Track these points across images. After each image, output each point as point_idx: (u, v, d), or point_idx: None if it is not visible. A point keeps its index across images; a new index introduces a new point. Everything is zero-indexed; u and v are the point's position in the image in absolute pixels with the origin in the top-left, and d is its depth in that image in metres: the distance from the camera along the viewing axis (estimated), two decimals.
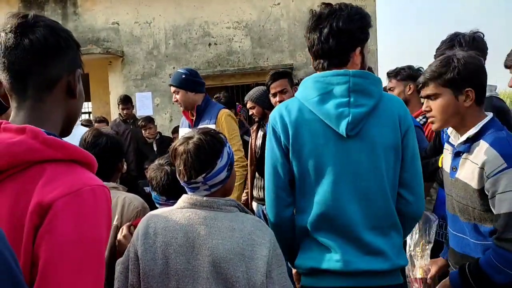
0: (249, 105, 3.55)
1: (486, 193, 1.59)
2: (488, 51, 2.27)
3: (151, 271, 1.37)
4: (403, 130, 1.53)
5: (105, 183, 1.76)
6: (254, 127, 3.74)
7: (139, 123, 5.67)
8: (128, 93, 6.76)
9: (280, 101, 2.97)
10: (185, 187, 1.45)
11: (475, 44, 2.11)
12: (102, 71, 8.09)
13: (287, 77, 3.00)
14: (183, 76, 3.14)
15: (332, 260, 1.49)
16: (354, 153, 1.49)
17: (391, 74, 3.04)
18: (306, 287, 1.59)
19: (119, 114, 5.99)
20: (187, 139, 1.43)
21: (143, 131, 5.60)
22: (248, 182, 3.62)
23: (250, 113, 3.62)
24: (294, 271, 1.70)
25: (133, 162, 5.54)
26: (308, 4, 7.46)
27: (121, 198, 1.77)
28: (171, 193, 1.70)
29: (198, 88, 3.18)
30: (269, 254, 1.34)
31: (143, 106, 7.59)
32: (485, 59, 2.16)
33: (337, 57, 1.52)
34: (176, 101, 3.20)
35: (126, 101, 5.90)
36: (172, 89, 3.20)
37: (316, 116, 1.49)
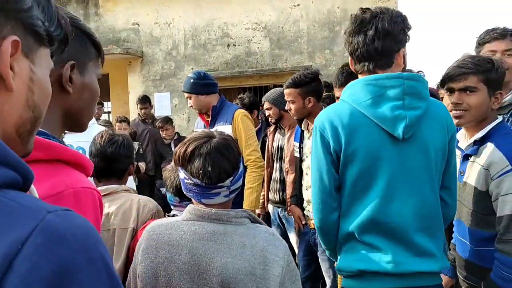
0: (266, 106, 3.50)
1: (490, 195, 1.61)
2: None
3: None
4: (449, 134, 1.57)
5: (117, 186, 1.78)
6: (271, 129, 3.71)
7: (156, 124, 5.69)
8: (147, 93, 6.80)
9: (288, 109, 2.89)
10: (201, 194, 1.30)
11: None
12: (122, 71, 8.17)
13: (299, 87, 2.77)
14: (191, 80, 3.13)
15: (383, 261, 1.49)
16: (409, 155, 1.50)
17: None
18: None
19: (138, 114, 6.03)
20: (208, 138, 1.30)
21: (161, 132, 5.61)
22: (265, 184, 3.60)
23: (267, 114, 3.57)
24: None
25: (150, 162, 5.57)
26: (328, 5, 7.40)
27: (136, 201, 1.76)
28: (185, 194, 1.67)
29: (209, 90, 3.16)
30: (282, 272, 1.25)
31: (162, 106, 7.64)
32: None
33: (383, 58, 1.53)
34: (191, 106, 3.21)
35: (145, 101, 5.94)
36: (185, 95, 3.21)
37: (369, 119, 1.48)
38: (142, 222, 1.71)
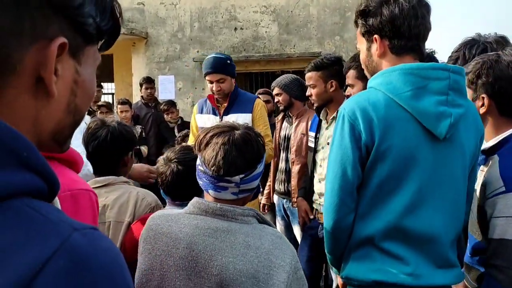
0: (275, 91, 3.39)
1: (485, 211, 1.51)
2: None
3: (148, 282, 1.18)
4: (479, 136, 1.44)
5: (114, 177, 1.64)
6: (279, 117, 3.58)
7: (161, 107, 5.56)
8: (151, 76, 6.64)
9: (309, 96, 2.74)
10: (209, 184, 1.23)
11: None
12: (126, 52, 8.01)
13: (320, 70, 2.66)
14: (228, 61, 2.89)
15: (402, 273, 1.33)
16: (446, 158, 1.34)
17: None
18: None
19: (141, 97, 5.89)
20: (230, 129, 1.23)
21: (165, 115, 5.49)
22: (271, 174, 3.49)
23: (275, 100, 3.47)
24: (339, 281, 1.56)
25: (153, 146, 5.44)
26: None
27: (134, 194, 1.62)
28: (176, 194, 1.53)
29: (235, 73, 2.98)
30: (288, 280, 1.14)
31: (165, 89, 7.48)
32: None
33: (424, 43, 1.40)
34: (220, 90, 2.88)
35: (150, 81, 5.82)
36: (215, 77, 2.87)
37: (407, 113, 1.31)
38: (138, 216, 1.59)
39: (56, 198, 0.51)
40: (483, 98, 1.53)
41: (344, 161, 1.35)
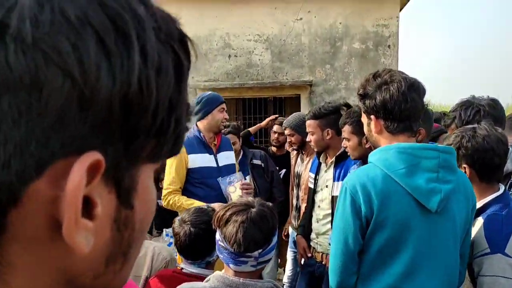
0: (287, 132, 3.47)
1: (473, 269, 1.70)
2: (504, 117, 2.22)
3: None
4: (471, 205, 1.59)
5: None
6: (294, 154, 3.72)
7: None
8: None
9: (308, 141, 2.89)
10: (229, 258, 1.33)
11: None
12: None
13: (318, 118, 2.81)
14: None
15: None
16: (438, 228, 1.49)
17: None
18: None
19: None
20: (247, 206, 1.34)
21: None
22: (290, 206, 3.61)
23: (288, 140, 3.53)
24: None
25: None
26: (330, 20, 7.43)
27: (150, 249, 1.74)
28: (189, 254, 1.65)
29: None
30: None
31: None
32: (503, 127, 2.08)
33: (417, 121, 1.56)
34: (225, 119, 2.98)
35: None
36: (224, 106, 2.98)
37: (401, 187, 1.46)
38: (155, 270, 1.70)
39: None
40: (464, 167, 1.74)
41: (346, 230, 1.51)
